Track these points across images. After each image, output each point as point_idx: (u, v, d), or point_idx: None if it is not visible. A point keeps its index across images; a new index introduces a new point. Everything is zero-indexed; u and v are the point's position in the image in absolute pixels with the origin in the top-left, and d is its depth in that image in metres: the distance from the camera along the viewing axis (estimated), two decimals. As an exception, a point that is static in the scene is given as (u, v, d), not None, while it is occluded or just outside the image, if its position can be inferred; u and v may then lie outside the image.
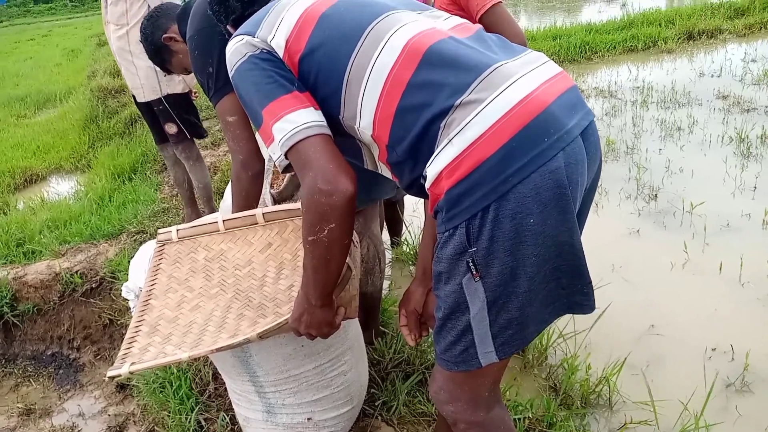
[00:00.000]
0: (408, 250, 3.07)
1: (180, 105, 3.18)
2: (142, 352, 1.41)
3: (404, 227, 3.17)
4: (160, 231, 1.71)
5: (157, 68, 2.13)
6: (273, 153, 1.15)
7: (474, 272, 1.03)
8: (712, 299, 2.48)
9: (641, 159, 3.88)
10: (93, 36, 16.91)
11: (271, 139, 1.13)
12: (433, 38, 1.09)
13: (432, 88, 1.05)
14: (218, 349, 1.34)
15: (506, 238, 1.00)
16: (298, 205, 1.64)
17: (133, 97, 3.37)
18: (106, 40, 3.34)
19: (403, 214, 3.14)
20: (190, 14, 1.78)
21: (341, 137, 1.18)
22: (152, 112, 3.25)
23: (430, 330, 1.42)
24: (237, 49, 1.20)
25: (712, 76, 5.51)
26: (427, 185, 1.07)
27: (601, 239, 2.97)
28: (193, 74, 2.15)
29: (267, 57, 1.17)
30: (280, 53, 1.16)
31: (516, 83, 1.02)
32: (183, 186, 3.56)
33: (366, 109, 1.11)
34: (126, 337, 1.50)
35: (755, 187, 3.34)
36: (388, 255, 3.06)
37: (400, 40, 1.09)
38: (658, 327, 2.36)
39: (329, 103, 1.15)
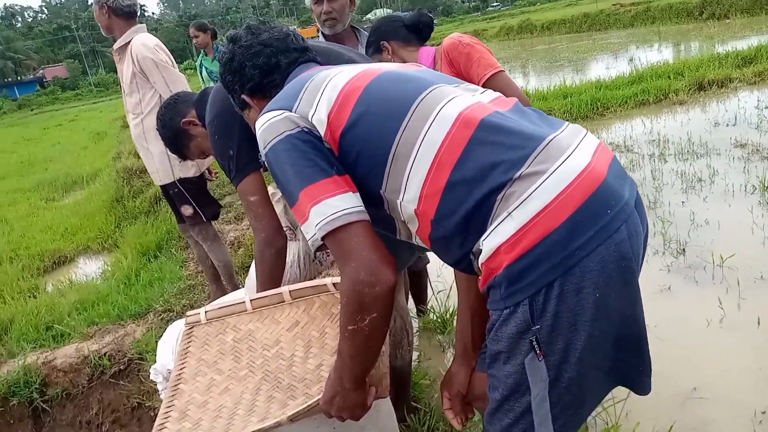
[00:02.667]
0: (435, 318, 3.03)
1: (193, 188, 3.27)
2: None
3: (429, 294, 3.14)
4: (188, 313, 1.71)
5: (170, 153, 2.18)
6: (307, 232, 1.12)
7: (538, 351, 1.00)
8: (755, 356, 2.39)
9: (665, 213, 3.85)
10: (117, 118, 17.58)
11: (306, 219, 1.10)
12: (482, 113, 1.08)
13: (487, 162, 1.03)
14: None
15: (571, 313, 0.98)
16: (324, 281, 1.65)
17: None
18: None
19: (428, 281, 3.12)
20: (209, 100, 1.84)
21: (375, 209, 1.16)
22: (169, 195, 3.34)
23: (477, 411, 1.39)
24: (273, 125, 1.15)
25: (728, 125, 5.52)
26: (480, 260, 1.04)
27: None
28: (206, 158, 2.22)
29: (306, 138, 1.13)
30: (321, 130, 1.13)
31: (573, 155, 1.02)
32: (206, 263, 3.60)
33: (412, 183, 1.09)
34: (156, 424, 1.49)
35: (785, 236, 3.28)
36: (415, 324, 3.03)
37: (450, 116, 1.08)
38: (701, 389, 2.27)
39: (371, 177, 1.13)
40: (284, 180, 1.13)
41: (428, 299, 3.14)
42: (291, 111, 1.15)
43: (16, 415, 3.37)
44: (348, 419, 1.30)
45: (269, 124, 1.16)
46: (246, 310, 1.68)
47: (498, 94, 1.20)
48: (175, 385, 1.57)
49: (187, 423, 1.45)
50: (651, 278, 3.12)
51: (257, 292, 1.75)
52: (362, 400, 1.26)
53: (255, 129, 1.25)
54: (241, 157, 1.74)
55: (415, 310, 3.13)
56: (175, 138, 2.09)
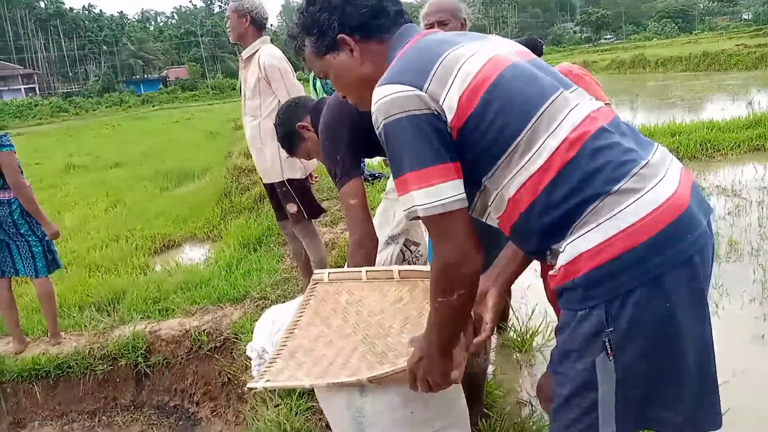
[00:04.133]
0: (515, 337, 3.09)
1: (299, 188, 3.51)
2: (278, 373, 1.62)
3: (511, 313, 3.21)
4: (316, 271, 1.95)
5: (281, 155, 2.39)
6: (406, 203, 1.19)
7: (609, 351, 1.09)
8: None
9: (766, 261, 3.70)
10: (229, 120, 18.67)
11: (408, 193, 1.16)
12: (592, 126, 1.15)
13: (588, 172, 1.11)
14: (335, 384, 1.51)
15: (645, 320, 1.07)
16: (429, 268, 1.81)
17: (260, 178, 3.76)
18: (242, 125, 3.77)
19: (510, 300, 3.18)
20: (323, 109, 2.04)
21: (467, 188, 1.21)
22: (275, 193, 3.60)
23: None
24: (401, 100, 1.15)
25: None
26: (560, 262, 1.14)
27: (722, 342, 2.83)
28: (311, 160, 2.42)
29: (434, 122, 1.16)
30: (450, 116, 1.16)
31: (664, 179, 1.12)
32: (300, 259, 3.84)
33: (517, 178, 1.17)
34: (269, 357, 1.73)
35: None
36: (494, 340, 3.10)
37: (567, 127, 1.14)
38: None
39: (481, 165, 1.20)
40: (398, 153, 1.17)
41: (509, 317, 3.20)
42: (422, 90, 1.16)
43: (123, 375, 3.75)
44: (431, 388, 1.38)
45: (396, 98, 1.15)
46: (361, 279, 1.87)
47: (599, 103, 1.26)
48: (291, 330, 1.78)
49: (292, 362, 1.66)
50: (745, 325, 3.03)
51: None
52: (446, 368, 1.34)
53: (348, 78, 1.35)
54: (346, 163, 1.93)
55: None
56: (289, 137, 2.31)
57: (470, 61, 1.19)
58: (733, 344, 2.87)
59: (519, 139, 1.15)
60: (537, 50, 2.42)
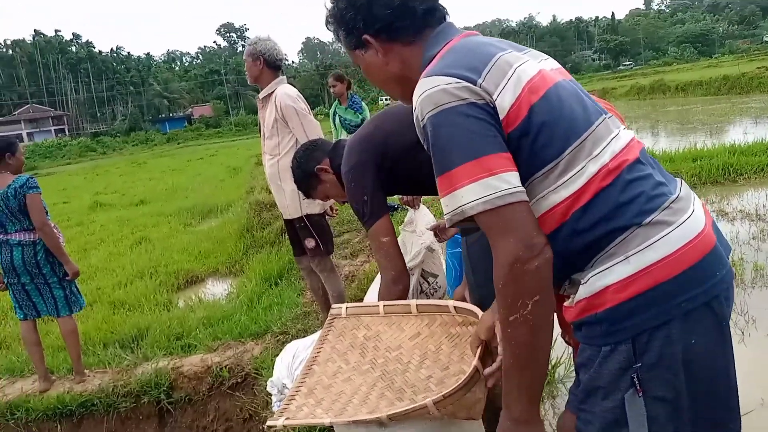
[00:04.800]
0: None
1: (317, 223, 3.55)
2: (297, 410, 1.62)
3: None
4: (333, 306, 1.94)
5: (300, 193, 2.43)
6: (450, 204, 1.09)
7: (638, 387, 1.06)
8: None
9: (793, 287, 3.61)
10: (252, 156, 18.98)
11: (454, 191, 1.07)
12: (630, 156, 1.13)
13: (620, 202, 1.08)
14: (355, 422, 1.50)
15: (673, 357, 1.05)
16: (447, 302, 1.81)
17: (281, 213, 3.82)
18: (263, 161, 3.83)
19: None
20: (344, 151, 2.06)
21: None
22: (294, 229, 3.64)
23: None
24: (450, 90, 1.10)
25: None
26: (580, 294, 1.09)
27: (748, 370, 2.77)
28: (327, 200, 2.43)
29: (491, 112, 1.10)
30: (501, 116, 1.11)
31: (694, 213, 1.11)
32: (318, 293, 3.86)
33: (550, 198, 1.12)
34: (288, 394, 1.73)
35: None
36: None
37: (608, 155, 1.12)
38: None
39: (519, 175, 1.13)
40: (446, 146, 1.09)
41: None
42: (475, 84, 1.10)
43: (145, 412, 3.76)
44: None
45: (447, 88, 1.10)
46: (379, 313, 1.86)
47: (632, 134, 1.23)
48: (310, 366, 1.78)
49: (311, 399, 1.67)
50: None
51: None
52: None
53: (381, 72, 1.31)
54: (374, 203, 1.95)
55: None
56: (306, 179, 2.33)
57: (522, 68, 1.15)
58: (760, 372, 2.80)
59: (560, 159, 1.11)
60: None
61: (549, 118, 1.11)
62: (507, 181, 1.05)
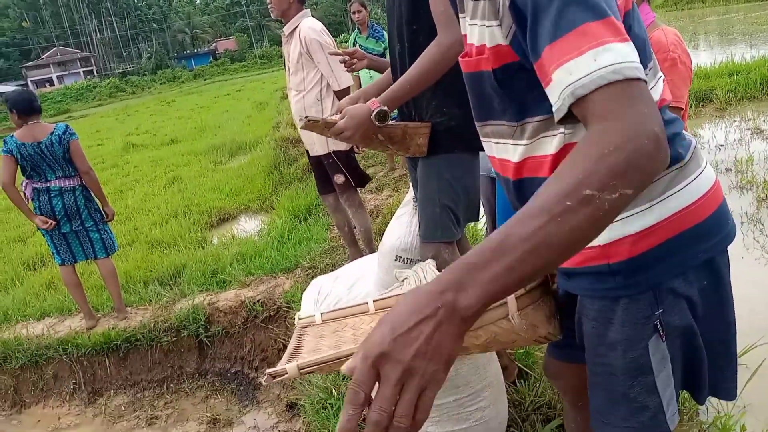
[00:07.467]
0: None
1: (345, 158, 3.56)
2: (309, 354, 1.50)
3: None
4: (300, 315, 1.50)
5: None
6: (572, 71, 0.80)
7: (661, 332, 1.05)
8: None
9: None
10: (278, 89, 18.85)
11: (585, 52, 0.79)
12: (666, 97, 1.09)
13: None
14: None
15: (691, 302, 1.06)
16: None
17: (306, 151, 3.84)
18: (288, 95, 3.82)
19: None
20: None
21: None
22: (321, 165, 3.67)
23: None
24: None
25: None
26: (597, 241, 1.03)
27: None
28: None
29: None
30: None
31: (707, 165, 1.09)
32: (344, 229, 3.93)
33: None
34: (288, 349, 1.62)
35: None
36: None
37: (656, 92, 1.07)
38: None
39: None
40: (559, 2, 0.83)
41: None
42: None
43: (186, 345, 3.99)
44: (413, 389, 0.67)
45: None
46: (368, 311, 1.54)
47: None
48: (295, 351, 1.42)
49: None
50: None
51: (410, 77, 1.77)
52: (453, 351, 0.67)
53: None
54: None
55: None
56: None
57: None
58: None
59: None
60: None
61: (638, 30, 1.00)
62: (631, 54, 0.80)
